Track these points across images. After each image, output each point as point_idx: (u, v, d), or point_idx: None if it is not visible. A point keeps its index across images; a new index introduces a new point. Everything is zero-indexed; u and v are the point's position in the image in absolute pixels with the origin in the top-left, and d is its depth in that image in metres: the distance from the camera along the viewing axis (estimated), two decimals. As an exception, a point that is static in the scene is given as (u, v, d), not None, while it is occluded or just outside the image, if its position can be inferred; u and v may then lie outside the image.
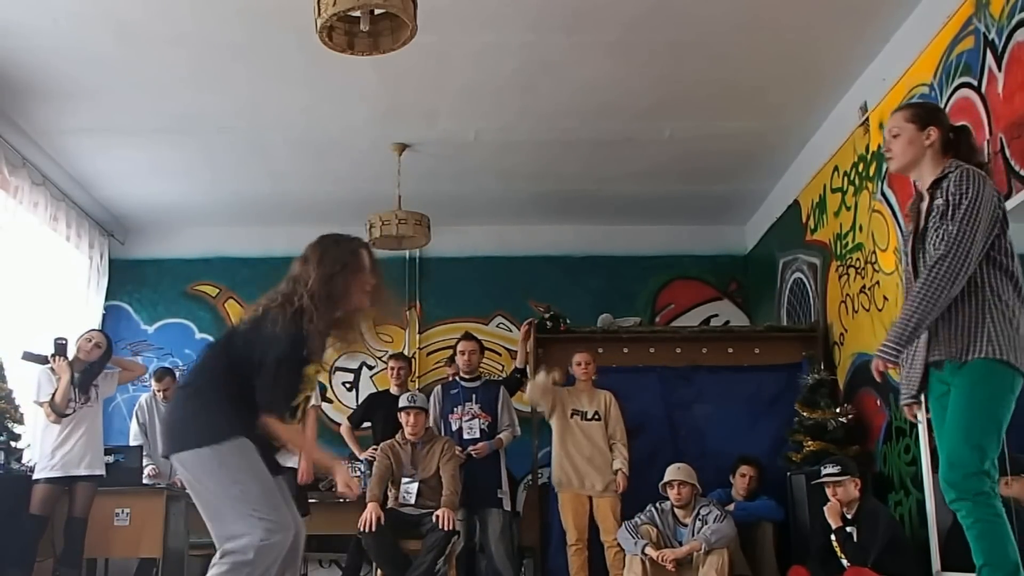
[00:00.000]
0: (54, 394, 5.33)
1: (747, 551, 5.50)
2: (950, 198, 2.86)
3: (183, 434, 2.93)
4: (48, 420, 5.36)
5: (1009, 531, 2.74)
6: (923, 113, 3.11)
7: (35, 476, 5.37)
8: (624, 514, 5.45)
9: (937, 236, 2.90)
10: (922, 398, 3.06)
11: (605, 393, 5.78)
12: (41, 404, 5.38)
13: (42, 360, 5.45)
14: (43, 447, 5.41)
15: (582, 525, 5.54)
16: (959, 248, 2.80)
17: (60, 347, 5.43)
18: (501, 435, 5.81)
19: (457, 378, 6.06)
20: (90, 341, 5.62)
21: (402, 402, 5.60)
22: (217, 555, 2.81)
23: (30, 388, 5.55)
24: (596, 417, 5.70)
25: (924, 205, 3.04)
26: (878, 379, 2.92)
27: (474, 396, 5.87)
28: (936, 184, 2.97)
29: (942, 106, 4.49)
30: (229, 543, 2.80)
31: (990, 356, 2.79)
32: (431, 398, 5.91)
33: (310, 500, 5.83)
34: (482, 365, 6.32)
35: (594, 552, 5.53)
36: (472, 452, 5.62)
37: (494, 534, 5.55)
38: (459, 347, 6.04)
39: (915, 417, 3.12)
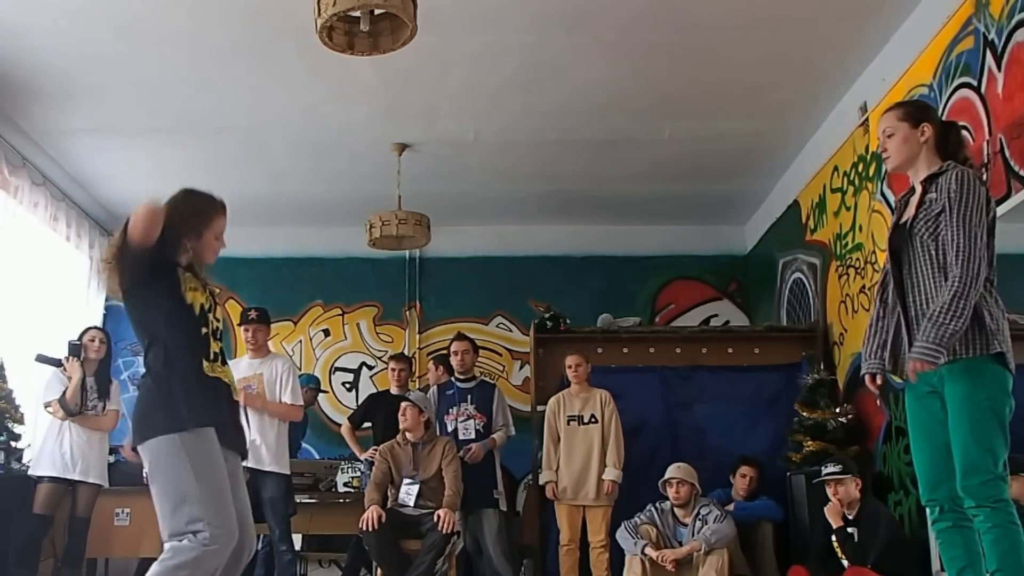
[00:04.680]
0: (65, 391, 5.34)
1: (747, 551, 5.50)
2: (950, 195, 2.87)
3: (144, 423, 2.93)
4: (57, 417, 5.37)
5: (1023, 538, 2.74)
6: (915, 111, 3.13)
7: (33, 472, 5.38)
8: (619, 516, 5.45)
9: (927, 230, 2.92)
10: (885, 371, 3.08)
11: (601, 392, 5.77)
12: (50, 403, 5.38)
13: (56, 363, 5.47)
14: (45, 445, 5.41)
15: (575, 528, 5.55)
16: (973, 248, 2.81)
17: (74, 348, 5.45)
18: (495, 435, 5.81)
19: (453, 379, 6.07)
20: (94, 340, 5.63)
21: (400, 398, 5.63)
22: (164, 552, 2.79)
23: (39, 390, 5.57)
24: (593, 420, 5.68)
25: (914, 198, 3.05)
26: (913, 380, 2.88)
27: (469, 396, 5.87)
28: (931, 179, 2.98)
29: (942, 106, 4.51)
30: (172, 540, 2.79)
31: (983, 354, 2.81)
32: (427, 396, 5.91)
33: (310, 500, 5.83)
34: (481, 365, 6.32)
35: (586, 553, 5.54)
36: (466, 457, 5.61)
37: (491, 534, 5.55)
38: (452, 348, 6.06)
39: (877, 388, 3.11)
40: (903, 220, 3.06)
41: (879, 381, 3.10)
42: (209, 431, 2.92)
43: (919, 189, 3.03)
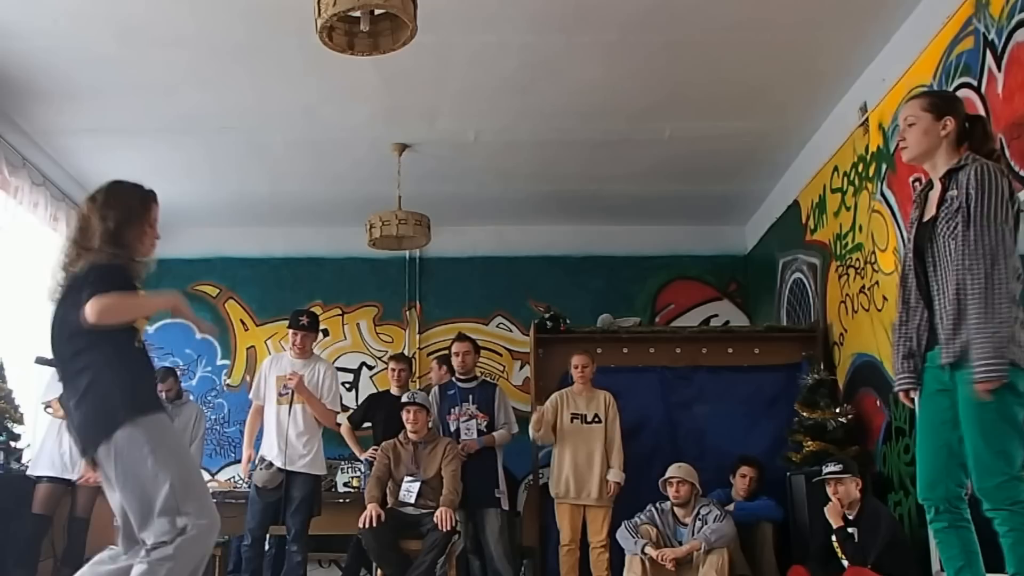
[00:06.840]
0: None
1: (747, 551, 5.50)
2: (969, 192, 2.78)
3: (97, 423, 2.76)
4: (56, 417, 5.37)
5: None
6: (940, 102, 3.03)
7: (33, 472, 5.37)
8: (619, 516, 5.45)
9: (948, 228, 2.84)
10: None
11: (604, 393, 5.77)
12: (49, 403, 5.38)
13: (55, 363, 5.46)
14: (44, 445, 5.41)
15: (576, 528, 5.56)
16: (1000, 246, 2.73)
17: None
18: (495, 433, 5.80)
19: (454, 379, 6.07)
20: None
21: (403, 400, 5.63)
22: (142, 552, 2.66)
23: (39, 390, 5.56)
24: (596, 419, 5.68)
25: (934, 194, 2.98)
26: (988, 399, 2.70)
27: (471, 396, 5.87)
28: (950, 175, 2.89)
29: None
30: (151, 536, 2.66)
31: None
32: (429, 398, 5.91)
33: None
34: (481, 365, 6.32)
35: (586, 553, 5.54)
36: (462, 449, 5.60)
37: (492, 534, 5.55)
38: (453, 348, 6.05)
39: (912, 402, 3.05)
40: (926, 218, 2.97)
41: (913, 395, 3.03)
42: (162, 417, 2.82)
43: (938, 185, 2.94)
